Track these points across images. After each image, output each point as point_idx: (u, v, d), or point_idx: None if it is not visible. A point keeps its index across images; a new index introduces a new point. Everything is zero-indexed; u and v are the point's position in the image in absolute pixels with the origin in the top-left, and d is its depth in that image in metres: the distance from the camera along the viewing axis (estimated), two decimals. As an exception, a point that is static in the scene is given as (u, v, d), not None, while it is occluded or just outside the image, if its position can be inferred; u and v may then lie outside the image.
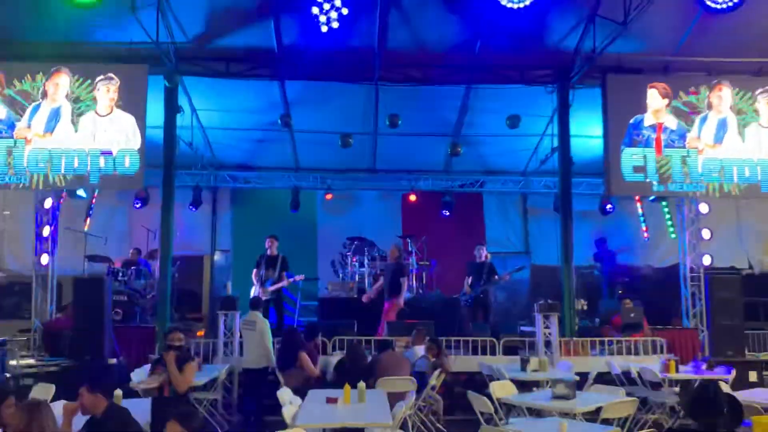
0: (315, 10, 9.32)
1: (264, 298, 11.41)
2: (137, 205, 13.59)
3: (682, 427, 3.89)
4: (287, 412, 6.16)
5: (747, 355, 10.46)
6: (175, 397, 6.24)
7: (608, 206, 14.18)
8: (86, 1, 8.85)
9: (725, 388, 6.47)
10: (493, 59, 10.93)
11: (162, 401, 6.19)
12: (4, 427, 4.07)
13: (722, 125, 11.05)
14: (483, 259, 12.04)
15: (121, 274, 12.43)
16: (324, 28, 9.27)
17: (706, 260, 12.07)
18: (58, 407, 4.76)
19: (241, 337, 9.67)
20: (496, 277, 12.11)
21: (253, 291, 11.71)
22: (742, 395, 6.03)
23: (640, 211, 14.85)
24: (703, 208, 12.18)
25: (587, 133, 12.46)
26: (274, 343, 9.25)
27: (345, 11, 9.30)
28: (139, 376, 8.01)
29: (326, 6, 9.32)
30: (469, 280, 11.97)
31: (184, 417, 3.51)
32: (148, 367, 8.60)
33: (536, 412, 7.31)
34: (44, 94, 10.54)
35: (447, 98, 12.27)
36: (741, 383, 8.62)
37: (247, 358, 9.18)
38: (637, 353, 10.31)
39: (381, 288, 11.92)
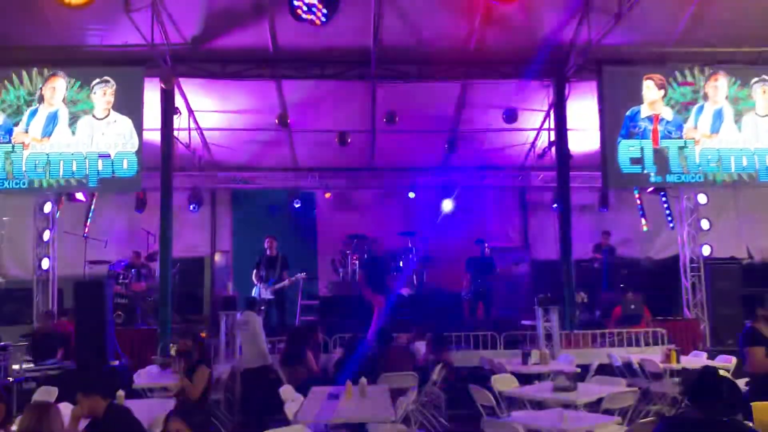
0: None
1: (266, 299, 11.47)
2: (138, 212, 13.55)
3: (682, 415, 3.88)
4: (289, 409, 6.18)
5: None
6: (191, 403, 6.19)
7: (601, 209, 14.11)
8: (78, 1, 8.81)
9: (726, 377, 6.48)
10: (488, 54, 10.94)
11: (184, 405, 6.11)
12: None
13: (718, 115, 11.04)
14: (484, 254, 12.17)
15: (121, 277, 12.44)
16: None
17: (706, 251, 12.09)
18: (62, 410, 4.78)
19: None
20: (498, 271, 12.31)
21: (254, 292, 11.73)
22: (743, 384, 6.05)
23: (638, 202, 14.83)
24: (702, 198, 12.21)
25: (584, 126, 12.46)
26: (275, 343, 9.28)
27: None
28: (142, 378, 8.06)
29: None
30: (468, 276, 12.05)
31: (185, 414, 3.53)
32: (151, 368, 8.67)
33: (538, 404, 7.34)
34: (41, 99, 10.54)
35: (444, 94, 12.27)
36: (742, 372, 8.62)
37: (245, 358, 9.21)
38: (638, 344, 10.33)
39: None
